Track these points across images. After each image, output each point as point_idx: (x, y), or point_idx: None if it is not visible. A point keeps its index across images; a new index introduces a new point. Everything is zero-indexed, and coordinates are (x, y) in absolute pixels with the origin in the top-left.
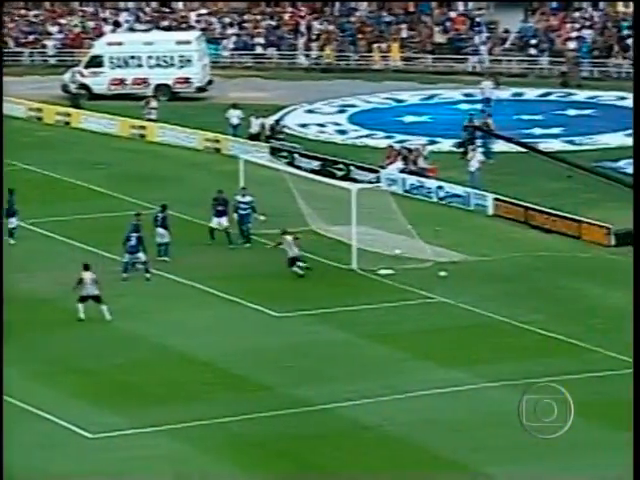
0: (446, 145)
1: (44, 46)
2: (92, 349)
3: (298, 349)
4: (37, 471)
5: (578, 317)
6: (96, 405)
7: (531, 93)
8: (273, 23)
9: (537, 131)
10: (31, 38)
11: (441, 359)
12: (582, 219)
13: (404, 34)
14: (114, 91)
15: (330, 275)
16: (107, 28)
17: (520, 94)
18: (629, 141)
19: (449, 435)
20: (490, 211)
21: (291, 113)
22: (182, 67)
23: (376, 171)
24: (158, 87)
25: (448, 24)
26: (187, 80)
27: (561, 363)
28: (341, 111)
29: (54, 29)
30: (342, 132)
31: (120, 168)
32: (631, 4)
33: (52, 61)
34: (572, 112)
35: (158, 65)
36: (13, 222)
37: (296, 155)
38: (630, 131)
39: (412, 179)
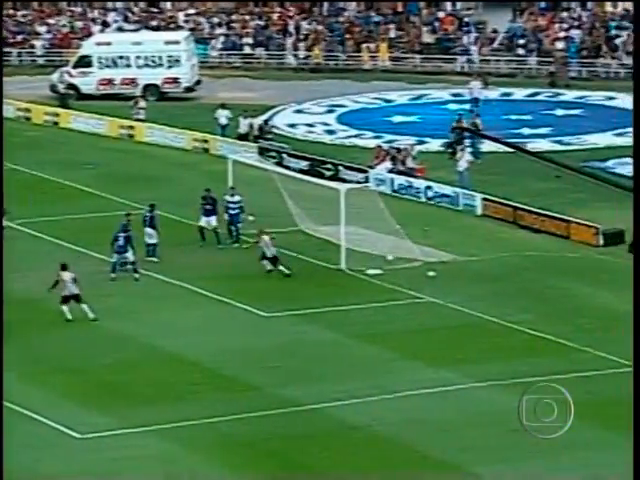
0: (435, 145)
1: (32, 46)
2: (81, 349)
3: (287, 349)
4: (26, 471)
5: (567, 317)
6: (85, 405)
7: (519, 93)
8: (261, 23)
9: (525, 131)
10: (19, 38)
11: (430, 359)
12: (571, 219)
13: (392, 34)
14: (102, 91)
15: (319, 275)
16: (95, 28)
17: (508, 94)
18: (617, 141)
19: (438, 435)
20: (479, 211)
21: (280, 113)
22: (170, 67)
23: (365, 171)
24: (146, 87)
25: (436, 24)
26: (176, 80)
27: (550, 363)
28: (330, 111)
29: (42, 29)
30: (331, 132)
31: (109, 168)
32: (619, 4)
33: (40, 61)
34: (560, 112)
35: (146, 65)
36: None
37: (285, 155)
38: (618, 131)
39: (401, 179)
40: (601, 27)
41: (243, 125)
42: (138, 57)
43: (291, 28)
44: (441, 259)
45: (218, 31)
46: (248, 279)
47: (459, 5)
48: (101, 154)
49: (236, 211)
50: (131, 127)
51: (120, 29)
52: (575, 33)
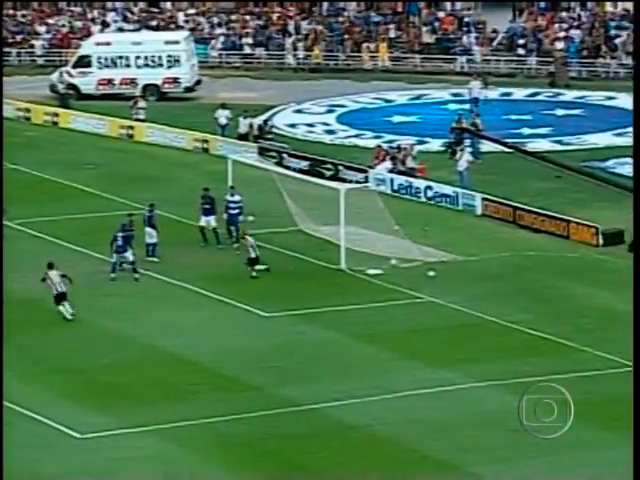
0: (435, 145)
1: (32, 46)
2: (80, 349)
3: (286, 349)
4: (26, 471)
5: (566, 317)
6: (84, 405)
7: (519, 93)
8: (261, 23)
9: (525, 131)
10: (19, 38)
11: (429, 359)
12: (570, 219)
13: (392, 34)
14: (102, 91)
15: (319, 275)
16: (95, 28)
17: (508, 94)
18: (617, 141)
19: (437, 435)
20: (479, 211)
21: (280, 113)
22: (170, 67)
23: (365, 171)
24: (146, 87)
25: (436, 24)
26: (175, 80)
27: (550, 362)
28: (330, 111)
29: (42, 29)
30: (331, 132)
31: (109, 168)
32: (619, 4)
33: (40, 61)
34: (560, 112)
35: (146, 65)
36: None
37: (285, 155)
38: (618, 131)
39: (401, 179)
40: (601, 27)
41: (243, 125)
42: (138, 57)
43: (291, 28)
44: (441, 259)
45: (218, 31)
46: (248, 279)
47: (459, 5)
48: (101, 154)
49: (236, 211)
50: (131, 127)
51: (120, 29)
52: (575, 33)
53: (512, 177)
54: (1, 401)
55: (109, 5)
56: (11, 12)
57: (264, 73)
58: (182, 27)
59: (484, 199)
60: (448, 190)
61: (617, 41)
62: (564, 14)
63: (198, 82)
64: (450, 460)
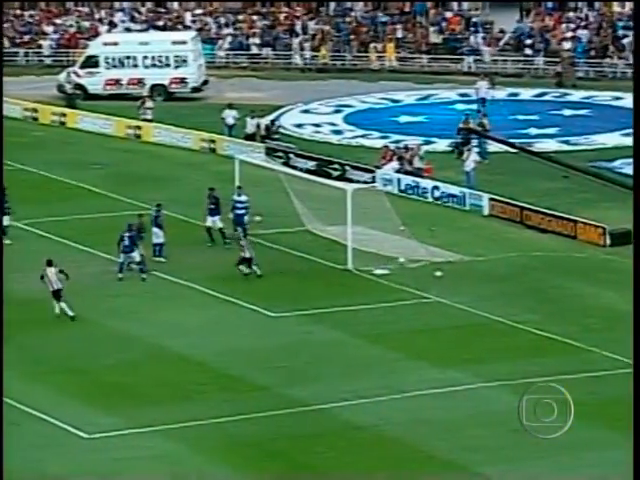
0: (442, 145)
1: (40, 46)
2: (87, 349)
3: (293, 349)
4: (33, 471)
5: (573, 317)
6: (92, 405)
7: (526, 93)
8: (268, 23)
9: (533, 131)
10: (27, 38)
11: (436, 359)
12: (578, 219)
13: (399, 34)
14: (110, 91)
15: (326, 275)
16: (103, 28)
17: (516, 94)
18: (625, 141)
19: (443, 435)
20: (486, 211)
21: (287, 113)
22: (178, 67)
23: (372, 171)
24: (154, 87)
25: (443, 24)
26: (183, 80)
27: (556, 363)
28: (337, 111)
29: (49, 29)
30: (338, 132)
31: (116, 168)
32: (627, 4)
33: (48, 61)
34: (567, 112)
35: (154, 65)
36: (5, 221)
37: (292, 155)
38: (626, 131)
39: (408, 179)
40: (608, 27)
41: (250, 125)
42: (145, 57)
43: (298, 28)
44: (448, 259)
45: (225, 31)
46: (255, 279)
47: (466, 5)
48: (108, 154)
49: (242, 211)
50: (138, 127)
51: (127, 29)
52: (582, 33)
53: (519, 177)
54: (1, 401)
55: (117, 5)
56: (19, 12)
57: (271, 73)
58: (189, 27)
59: (491, 199)
60: (455, 190)
61: (625, 41)
62: (571, 14)
63: (205, 82)
64: (456, 460)
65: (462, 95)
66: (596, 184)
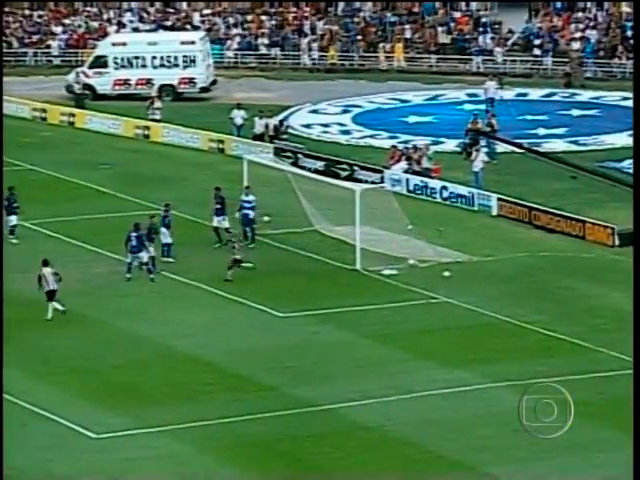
0: (450, 145)
1: (48, 46)
2: (95, 349)
3: (301, 349)
4: (41, 471)
5: (582, 317)
6: (100, 405)
7: (535, 93)
8: (277, 23)
9: (541, 131)
10: (35, 38)
11: (444, 359)
12: (586, 219)
13: (408, 34)
14: (118, 91)
15: (334, 275)
16: (111, 28)
17: (524, 94)
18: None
19: (451, 435)
20: (494, 211)
21: (295, 113)
22: (186, 67)
23: (380, 171)
24: (162, 87)
25: (452, 24)
26: (191, 80)
27: (564, 363)
28: (345, 111)
29: (58, 29)
30: (346, 132)
31: (124, 168)
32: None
33: (56, 61)
34: (576, 112)
35: (162, 65)
36: (13, 220)
37: (300, 155)
38: None
39: (416, 179)
40: (617, 27)
41: (259, 125)
42: (154, 57)
43: (306, 28)
44: (456, 259)
45: (234, 31)
46: (263, 279)
47: (475, 5)
48: (117, 154)
49: (250, 210)
50: (147, 127)
51: (136, 29)
52: (591, 33)
53: (527, 177)
54: (1, 400)
55: (125, 5)
56: (27, 12)
57: (280, 73)
58: (198, 27)
59: (500, 199)
60: (464, 190)
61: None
62: (580, 14)
63: (214, 82)
64: (464, 460)
65: (471, 95)
66: (604, 184)
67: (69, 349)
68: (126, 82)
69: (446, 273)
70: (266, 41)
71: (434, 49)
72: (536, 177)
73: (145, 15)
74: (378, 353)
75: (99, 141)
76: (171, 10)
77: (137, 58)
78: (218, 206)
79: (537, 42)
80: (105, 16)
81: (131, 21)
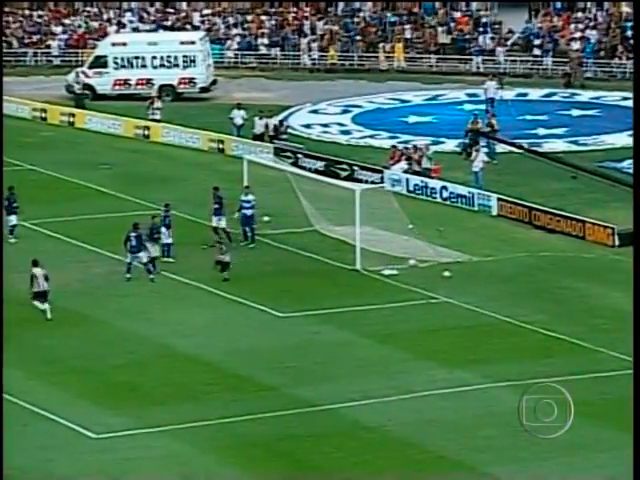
0: (450, 145)
1: (48, 46)
2: (95, 349)
3: (302, 349)
4: (41, 471)
5: (582, 317)
6: (100, 405)
7: (535, 93)
8: (277, 23)
9: (541, 131)
10: (35, 38)
11: (445, 359)
12: (586, 219)
13: (408, 34)
14: (118, 91)
15: (334, 275)
16: (111, 28)
17: (524, 94)
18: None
19: (452, 435)
20: (494, 211)
21: (295, 113)
22: (186, 67)
23: (380, 171)
24: (162, 87)
25: (452, 24)
26: (191, 80)
27: (564, 363)
28: (345, 111)
29: (58, 29)
30: (346, 132)
31: (124, 168)
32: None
33: (56, 61)
34: (576, 112)
35: (162, 65)
36: (12, 220)
37: (300, 155)
38: None
39: (416, 179)
40: (617, 27)
41: (258, 125)
42: (154, 57)
43: (306, 28)
44: (456, 259)
45: (234, 31)
46: (263, 279)
47: (475, 5)
48: (117, 154)
49: (249, 210)
50: (147, 127)
51: (136, 29)
52: (591, 33)
53: (527, 177)
54: (1, 400)
55: (125, 5)
56: (27, 12)
57: (279, 73)
58: (198, 27)
59: (500, 199)
60: (464, 190)
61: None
62: (580, 14)
63: (214, 82)
64: (465, 460)
65: (470, 95)
66: (604, 184)
67: (69, 349)
68: (126, 82)
69: (446, 273)
70: (266, 41)
71: (434, 49)
72: (536, 177)
73: (145, 15)
74: (378, 353)
75: (99, 141)
76: (171, 10)
77: (137, 58)
78: (217, 206)
79: (537, 42)
80: (105, 16)
81: (131, 21)
